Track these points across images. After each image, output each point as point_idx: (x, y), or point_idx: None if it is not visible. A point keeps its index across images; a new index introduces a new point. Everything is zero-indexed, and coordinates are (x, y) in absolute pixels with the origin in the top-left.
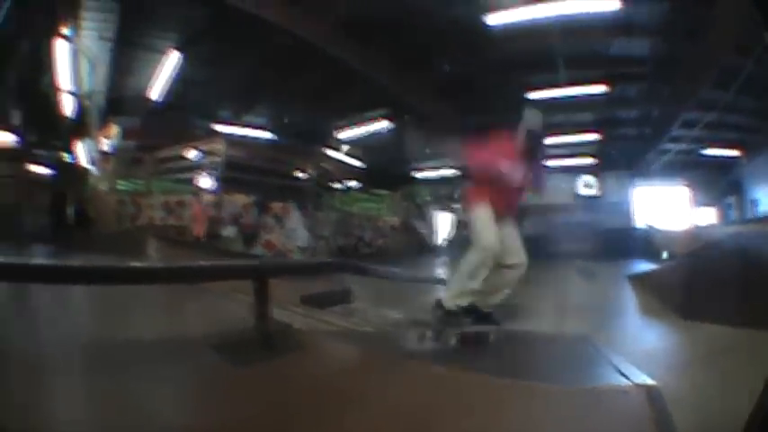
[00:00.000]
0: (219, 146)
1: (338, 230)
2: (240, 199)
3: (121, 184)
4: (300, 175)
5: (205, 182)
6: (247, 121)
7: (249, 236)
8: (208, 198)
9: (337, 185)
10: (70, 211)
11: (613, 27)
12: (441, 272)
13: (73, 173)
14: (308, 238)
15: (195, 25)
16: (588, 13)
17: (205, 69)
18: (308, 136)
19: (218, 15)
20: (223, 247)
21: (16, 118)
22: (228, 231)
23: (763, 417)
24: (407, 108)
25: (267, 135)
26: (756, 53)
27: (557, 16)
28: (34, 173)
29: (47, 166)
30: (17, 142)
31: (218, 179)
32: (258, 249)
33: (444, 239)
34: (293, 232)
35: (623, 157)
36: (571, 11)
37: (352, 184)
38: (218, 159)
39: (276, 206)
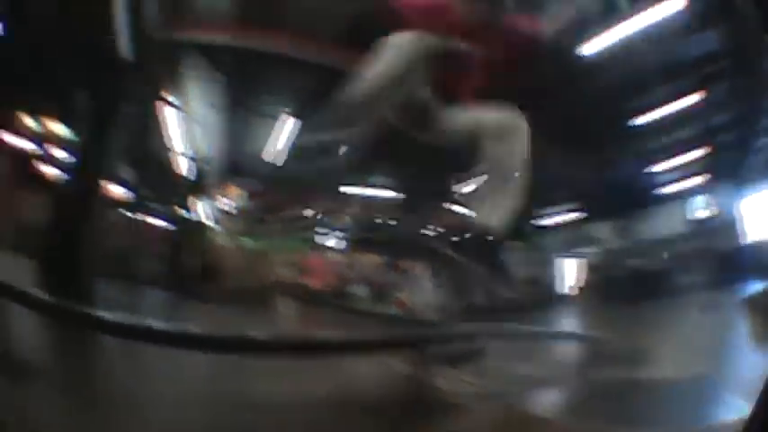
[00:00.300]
0: (347, 206)
1: (466, 286)
2: (370, 258)
3: (246, 242)
4: (426, 232)
5: (332, 241)
6: (371, 181)
7: (379, 295)
8: (336, 257)
9: (461, 240)
10: (190, 263)
11: (686, 27)
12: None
13: (192, 228)
14: (438, 296)
15: (307, 90)
16: (662, 20)
17: (324, 132)
18: (429, 193)
19: (329, 80)
20: (350, 306)
21: (129, 174)
22: (358, 290)
23: (763, 416)
24: None
25: (391, 194)
26: None
27: (637, 32)
28: (151, 224)
29: (164, 219)
30: (131, 195)
31: (347, 239)
32: (389, 308)
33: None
34: (424, 290)
35: (729, 167)
36: (646, 22)
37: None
38: (346, 219)
39: (406, 264)
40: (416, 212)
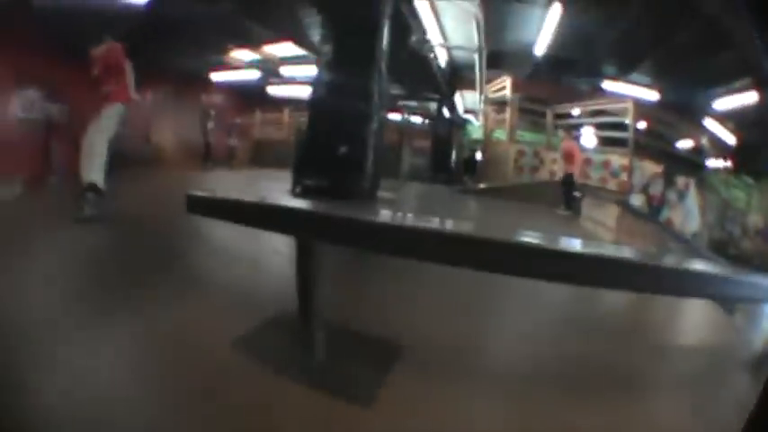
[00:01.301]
0: (625, 105)
1: (717, 219)
2: (649, 167)
3: (521, 136)
4: (684, 146)
5: (599, 140)
6: (632, 79)
7: (655, 209)
8: (611, 156)
9: (713, 163)
10: (458, 157)
11: None
12: None
13: (456, 122)
14: (698, 223)
15: None
16: None
17: (588, 22)
18: (687, 102)
19: None
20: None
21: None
22: (636, 199)
23: (763, 417)
24: None
25: (652, 96)
26: None
27: None
28: (413, 122)
29: (425, 116)
30: (394, 94)
31: (623, 141)
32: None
33: None
34: (689, 213)
35: None
36: None
37: (726, 164)
38: (625, 120)
39: (680, 180)
40: (677, 120)
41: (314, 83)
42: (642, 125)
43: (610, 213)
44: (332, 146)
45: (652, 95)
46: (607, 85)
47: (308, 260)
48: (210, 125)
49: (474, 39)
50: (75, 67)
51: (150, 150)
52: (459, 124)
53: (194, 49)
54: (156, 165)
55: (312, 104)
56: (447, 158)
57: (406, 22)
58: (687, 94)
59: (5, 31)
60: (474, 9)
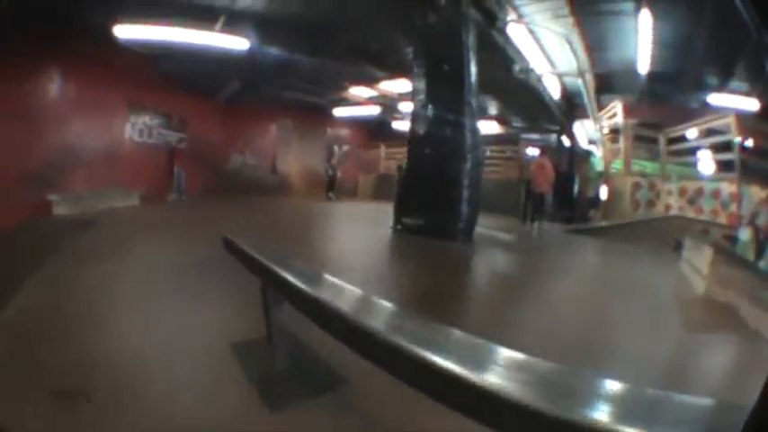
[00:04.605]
0: (726, 120)
1: None
2: (757, 192)
3: (638, 165)
4: None
5: (708, 165)
6: (731, 87)
7: (763, 244)
8: (720, 185)
9: None
10: (581, 191)
11: None
12: None
13: (578, 154)
14: None
15: None
16: None
17: (678, 24)
18: None
19: None
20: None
21: (498, 108)
22: (744, 233)
23: (763, 417)
24: None
25: (752, 105)
26: None
27: None
28: (527, 155)
29: (545, 149)
30: (505, 129)
31: (729, 164)
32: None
33: None
34: None
35: None
36: None
37: None
38: (731, 139)
39: None
40: None
41: (411, 120)
42: (748, 142)
43: (705, 257)
44: (427, 185)
45: (752, 104)
46: (712, 98)
47: None
48: (335, 159)
49: (581, 62)
50: (194, 103)
51: (276, 179)
52: (581, 156)
53: (314, 87)
54: (281, 193)
55: (409, 142)
56: (569, 194)
57: (505, 53)
58: None
59: (116, 66)
60: (564, 31)
